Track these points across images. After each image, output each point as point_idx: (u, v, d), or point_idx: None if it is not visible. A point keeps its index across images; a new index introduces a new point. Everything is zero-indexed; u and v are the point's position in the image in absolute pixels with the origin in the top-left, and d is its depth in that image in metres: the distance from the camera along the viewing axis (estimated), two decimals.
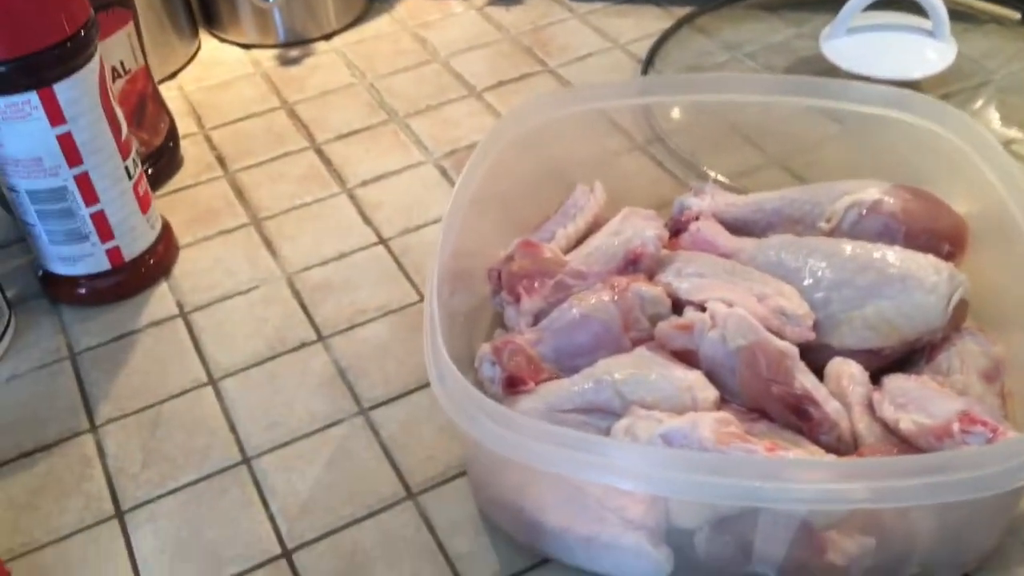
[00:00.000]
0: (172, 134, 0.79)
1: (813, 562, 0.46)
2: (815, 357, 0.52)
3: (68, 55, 0.58)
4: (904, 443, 0.48)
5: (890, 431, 0.49)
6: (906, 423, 0.47)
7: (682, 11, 0.93)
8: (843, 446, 0.49)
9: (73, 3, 0.58)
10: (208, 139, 0.83)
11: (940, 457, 0.43)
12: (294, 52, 0.93)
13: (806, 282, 0.54)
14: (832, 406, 0.49)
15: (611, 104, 0.67)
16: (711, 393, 0.50)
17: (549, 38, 0.92)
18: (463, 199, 0.56)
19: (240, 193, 0.77)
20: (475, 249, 0.59)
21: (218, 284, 0.69)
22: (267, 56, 0.93)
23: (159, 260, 0.69)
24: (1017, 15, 0.88)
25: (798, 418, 0.49)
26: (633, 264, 0.58)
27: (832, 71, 0.80)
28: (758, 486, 0.41)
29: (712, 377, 0.51)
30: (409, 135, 0.82)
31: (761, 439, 0.46)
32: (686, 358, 0.52)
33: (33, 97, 0.57)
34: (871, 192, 0.59)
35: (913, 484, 0.41)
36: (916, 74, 0.77)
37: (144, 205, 0.67)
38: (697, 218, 0.62)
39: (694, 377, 0.51)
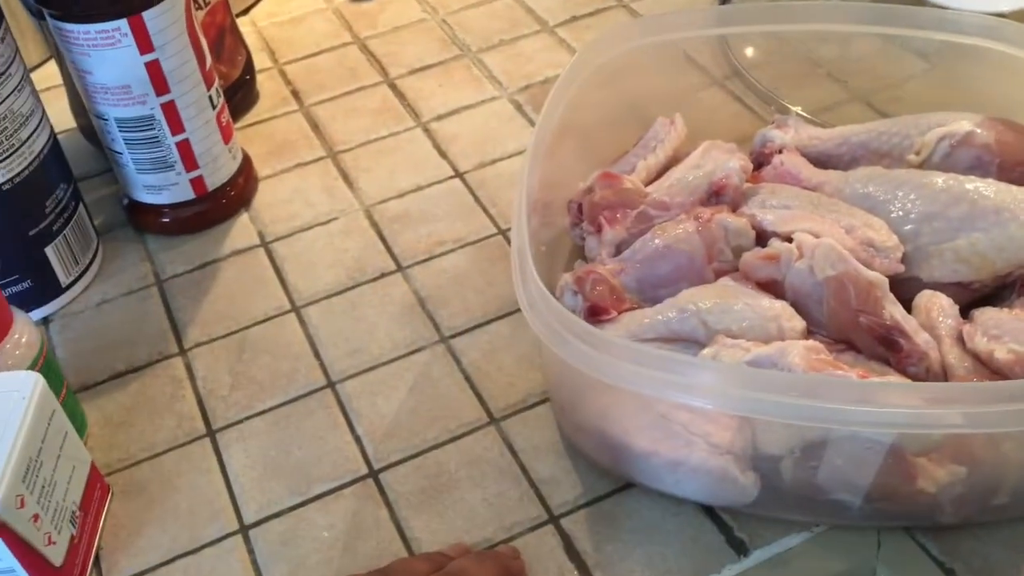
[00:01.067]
0: (249, 67, 0.79)
1: (902, 489, 0.46)
2: (904, 290, 0.51)
3: None
4: (997, 374, 0.47)
5: (982, 363, 0.48)
6: (1001, 352, 0.46)
7: None
8: (932, 378, 0.49)
9: None
10: (283, 73, 0.83)
11: None
12: None
13: (895, 214, 0.54)
14: (922, 337, 0.49)
15: (689, 35, 0.66)
16: (798, 323, 0.50)
17: None
18: (546, 131, 0.56)
19: (316, 127, 0.77)
20: (556, 181, 0.59)
21: (297, 215, 0.70)
22: None
23: (240, 191, 0.70)
24: None
25: (887, 349, 0.49)
26: (717, 196, 0.57)
27: (916, 2, 0.78)
28: (849, 409, 0.41)
29: (798, 308, 0.51)
30: (482, 70, 0.81)
31: (851, 368, 0.46)
32: (771, 289, 0.52)
33: (123, 24, 0.58)
34: (963, 124, 0.57)
35: (1008, 409, 0.40)
36: (1006, 6, 0.75)
37: (227, 136, 0.67)
38: (780, 151, 0.61)
39: (780, 307, 0.50)
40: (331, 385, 0.58)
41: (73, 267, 0.64)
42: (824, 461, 0.46)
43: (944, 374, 0.49)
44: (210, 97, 0.65)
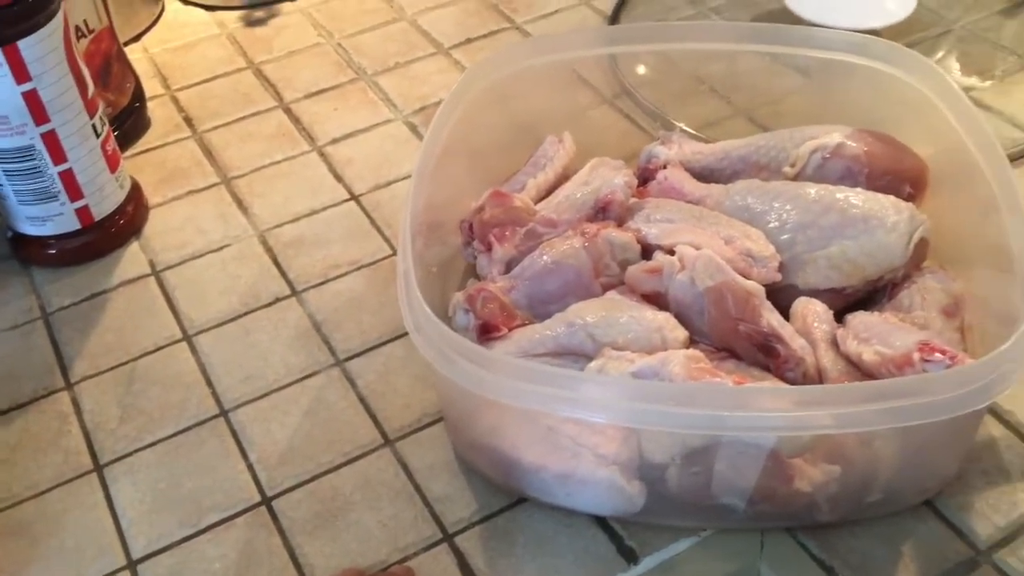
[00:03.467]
0: (138, 95, 0.78)
1: (781, 490, 0.47)
2: (781, 297, 0.53)
3: (31, 11, 0.57)
4: (867, 376, 0.49)
5: (854, 365, 0.50)
6: (868, 354, 0.48)
7: None
8: (809, 381, 0.50)
9: None
10: (175, 100, 0.82)
11: (898, 382, 0.45)
12: (259, 13, 0.93)
13: (772, 225, 0.56)
14: (798, 343, 0.51)
15: (577, 54, 0.67)
16: (681, 333, 0.51)
17: None
18: (433, 152, 0.57)
19: (209, 153, 0.77)
20: (446, 201, 0.60)
21: (189, 242, 0.69)
22: (232, 18, 0.92)
23: (129, 220, 0.69)
24: None
25: (765, 355, 0.51)
26: (603, 212, 0.59)
27: (796, 23, 0.81)
28: (725, 415, 0.43)
29: (681, 318, 0.52)
30: (378, 93, 0.82)
31: (730, 375, 0.48)
32: (656, 301, 0.54)
33: None
34: (834, 136, 0.60)
35: (874, 409, 0.42)
36: (878, 23, 0.78)
37: (113, 164, 0.66)
38: (665, 166, 0.63)
39: (664, 318, 0.52)
40: (223, 413, 0.57)
41: None
42: (707, 467, 0.47)
43: (820, 377, 0.51)
44: (93, 125, 0.64)
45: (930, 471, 0.50)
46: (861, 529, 0.50)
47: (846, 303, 0.55)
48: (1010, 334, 0.44)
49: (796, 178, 0.60)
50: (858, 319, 0.52)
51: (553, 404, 0.44)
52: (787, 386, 0.48)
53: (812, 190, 0.56)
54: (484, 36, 0.87)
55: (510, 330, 0.54)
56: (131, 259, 0.68)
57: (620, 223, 0.58)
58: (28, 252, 0.67)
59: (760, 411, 0.43)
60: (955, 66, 0.80)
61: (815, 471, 0.47)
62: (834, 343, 0.51)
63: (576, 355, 0.52)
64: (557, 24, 0.88)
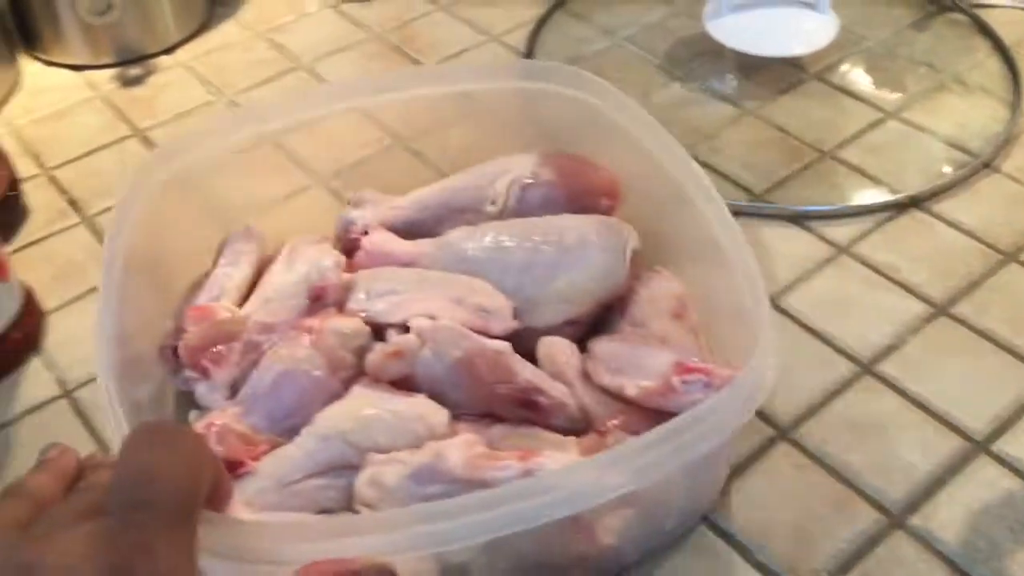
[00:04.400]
0: (12, 182, 0.69)
1: (590, 551, 0.46)
2: (521, 341, 0.52)
3: None
4: (629, 404, 0.49)
5: (613, 397, 0.50)
6: (630, 389, 0.48)
7: None
8: (575, 424, 0.50)
9: None
10: (54, 180, 0.73)
11: (679, 421, 0.42)
12: (134, 70, 0.84)
13: (494, 272, 0.55)
14: (558, 390, 0.50)
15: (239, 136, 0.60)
16: (443, 415, 0.49)
17: (416, 34, 0.87)
18: (114, 270, 0.50)
19: (103, 240, 0.68)
20: (139, 328, 0.52)
21: None
22: (103, 77, 0.83)
23: (26, 333, 0.60)
24: None
25: (528, 410, 0.50)
26: (319, 300, 0.53)
27: (717, 50, 0.79)
28: (525, 506, 0.40)
29: (436, 396, 0.50)
30: (287, 156, 0.74)
31: (502, 444, 0.47)
32: (404, 384, 0.51)
33: None
34: (525, 165, 0.60)
35: (665, 451, 0.41)
36: (801, 49, 0.77)
37: (2, 273, 0.57)
38: (366, 232, 0.59)
39: (421, 404, 0.49)
40: None
41: None
42: (514, 554, 0.45)
43: (583, 415, 0.50)
44: None
45: (706, 489, 0.51)
46: (665, 558, 0.49)
47: (585, 331, 0.55)
48: (740, 328, 0.47)
49: (501, 215, 0.58)
50: (603, 348, 0.52)
51: (341, 552, 0.38)
52: (579, 458, 0.46)
53: (524, 226, 0.56)
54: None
55: (256, 460, 0.48)
56: (34, 380, 0.59)
57: (340, 307, 0.53)
58: None
59: (561, 491, 0.40)
60: (866, 80, 0.79)
61: (612, 519, 0.46)
62: (587, 376, 0.51)
63: (338, 468, 0.47)
64: (468, 63, 0.83)
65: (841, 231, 0.66)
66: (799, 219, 0.66)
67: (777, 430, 0.54)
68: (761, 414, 0.55)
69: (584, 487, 0.41)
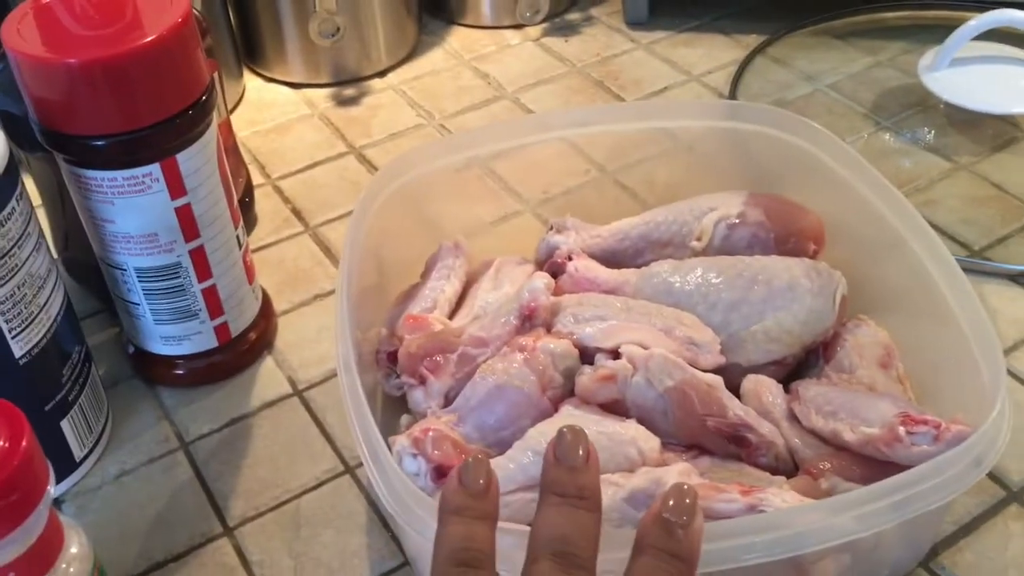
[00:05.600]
0: (248, 189, 0.73)
1: None
2: (726, 378, 0.52)
3: (193, 122, 0.52)
4: (841, 449, 0.49)
5: (821, 439, 0.50)
6: (848, 434, 0.48)
7: (749, 39, 0.91)
8: (782, 464, 0.51)
9: (198, 66, 0.52)
10: (279, 190, 0.77)
11: (911, 475, 0.43)
12: (349, 91, 0.88)
13: (700, 307, 0.55)
14: (766, 428, 0.50)
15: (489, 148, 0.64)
16: (655, 442, 0.49)
17: (619, 70, 0.89)
18: (354, 271, 0.54)
19: (328, 250, 0.72)
20: (363, 326, 0.55)
21: (328, 355, 0.64)
22: (320, 96, 0.88)
23: (262, 334, 0.63)
24: None
25: (736, 446, 0.50)
26: (529, 320, 0.55)
27: (928, 101, 0.79)
28: (755, 540, 0.41)
29: (644, 422, 0.50)
30: (496, 181, 0.77)
31: (709, 476, 0.48)
32: (613, 408, 0.51)
33: (155, 169, 0.52)
34: (734, 203, 0.60)
35: (892, 502, 0.42)
36: (1020, 108, 0.76)
37: (251, 275, 0.62)
38: (571, 257, 0.60)
39: (635, 429, 0.50)
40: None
41: (87, 437, 0.56)
42: None
43: (790, 456, 0.50)
44: (237, 237, 0.59)
45: (925, 535, 0.50)
46: None
47: (788, 372, 0.55)
48: (959, 384, 0.48)
49: (705, 251, 0.59)
50: (812, 390, 0.52)
51: None
52: (806, 500, 0.45)
53: (732, 264, 0.56)
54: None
55: None
56: (267, 377, 0.63)
57: (548, 328, 0.55)
58: (155, 371, 0.62)
59: (790, 530, 0.41)
60: None
61: (830, 564, 0.45)
62: (793, 417, 0.51)
63: None
64: (672, 101, 0.85)
65: None
66: (1020, 279, 0.65)
67: (1008, 492, 0.53)
68: (991, 474, 0.54)
69: (812, 529, 0.41)
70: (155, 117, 0.51)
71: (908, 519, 0.43)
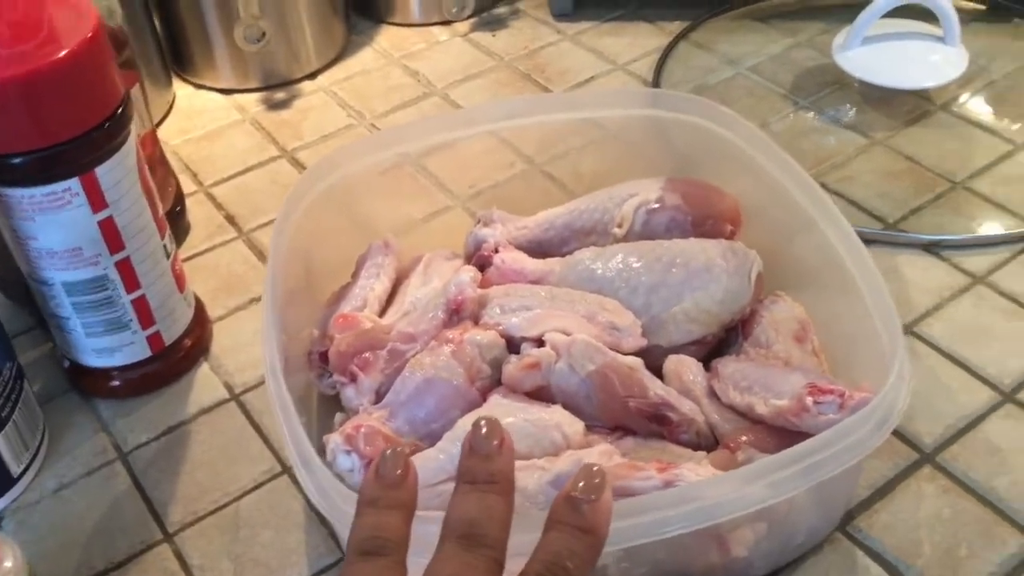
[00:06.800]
0: (179, 198, 0.74)
1: (722, 562, 0.48)
2: (648, 360, 0.54)
3: (109, 135, 0.53)
4: (758, 422, 0.51)
5: (739, 414, 0.52)
6: (761, 407, 0.50)
7: (672, 26, 0.92)
8: (704, 440, 0.52)
9: (111, 79, 0.53)
10: (211, 197, 0.78)
11: (818, 440, 0.45)
12: (279, 95, 0.89)
13: (623, 291, 0.57)
14: (687, 405, 0.53)
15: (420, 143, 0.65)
16: (578, 425, 0.51)
17: (545, 62, 0.90)
18: (280, 272, 0.55)
19: (261, 255, 0.72)
20: (292, 334, 0.56)
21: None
22: (250, 101, 0.88)
23: (197, 340, 0.64)
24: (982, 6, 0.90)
25: (659, 424, 0.52)
26: (456, 313, 0.56)
27: (843, 80, 0.81)
28: (671, 514, 0.43)
29: (569, 407, 0.52)
30: (426, 177, 0.78)
31: (633, 456, 0.50)
32: (539, 395, 0.53)
33: (74, 184, 0.52)
34: (653, 189, 0.62)
35: (801, 468, 0.44)
36: (932, 82, 0.78)
37: (181, 283, 0.62)
38: (496, 249, 0.61)
39: (559, 414, 0.51)
40: None
41: (23, 453, 0.57)
42: (649, 561, 0.47)
43: (711, 432, 0.53)
44: (164, 246, 0.60)
45: (837, 503, 0.52)
46: (789, 571, 0.51)
47: (708, 350, 0.57)
48: (866, 353, 0.50)
49: (626, 237, 0.61)
50: (729, 367, 0.54)
51: None
52: (719, 472, 0.47)
53: (651, 248, 0.58)
54: None
55: None
56: (204, 383, 0.63)
57: (476, 320, 0.56)
58: (90, 384, 0.62)
59: (703, 502, 0.43)
60: (1005, 118, 0.80)
61: (746, 533, 0.47)
62: (713, 394, 0.53)
63: None
64: (596, 91, 0.86)
65: (976, 261, 0.67)
66: (933, 248, 0.68)
67: (921, 454, 0.56)
68: (904, 438, 0.56)
69: (726, 499, 0.43)
70: (71, 132, 0.51)
71: (818, 484, 0.45)
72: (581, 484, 0.37)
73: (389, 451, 0.39)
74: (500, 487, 0.37)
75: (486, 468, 0.38)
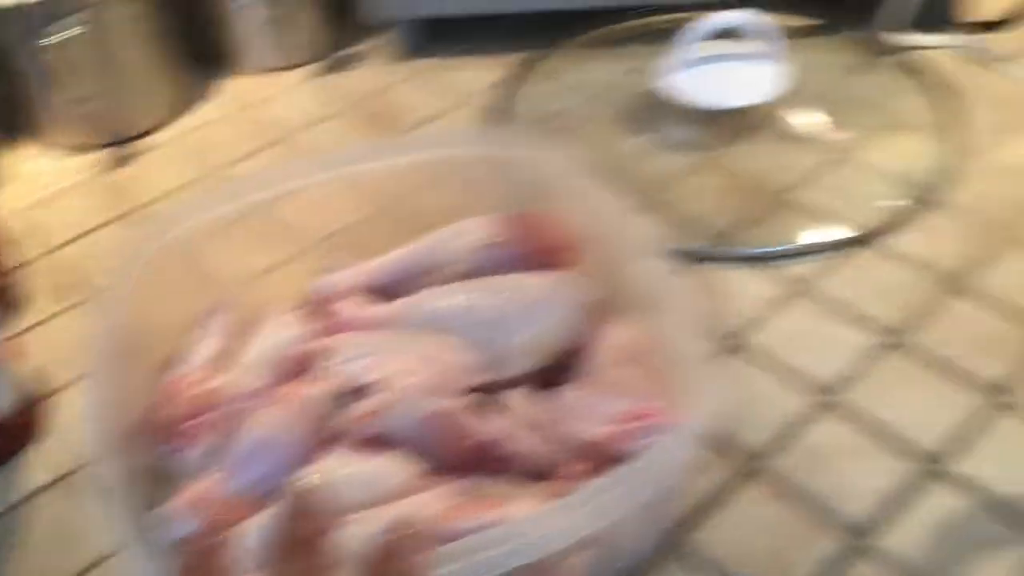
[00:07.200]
0: (15, 268, 0.72)
1: None
2: (490, 394, 0.56)
3: None
4: (593, 449, 0.52)
5: (574, 443, 0.53)
6: (586, 436, 0.52)
7: (514, 58, 0.94)
8: (542, 471, 0.53)
9: None
10: (53, 262, 0.76)
11: (628, 465, 0.46)
12: (123, 152, 0.87)
13: (464, 328, 0.59)
14: (523, 442, 0.53)
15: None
16: (412, 468, 0.52)
17: (393, 100, 0.91)
18: (109, 340, 0.54)
19: None
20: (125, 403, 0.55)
21: None
22: (91, 161, 0.87)
23: (26, 421, 0.63)
24: (820, 21, 0.95)
25: (495, 461, 0.53)
26: (295, 368, 0.57)
27: (671, 103, 0.83)
28: (495, 554, 0.43)
29: (412, 451, 0.53)
30: (274, 227, 0.78)
31: (472, 495, 0.50)
32: (381, 443, 0.53)
33: None
34: (484, 228, 0.64)
35: (616, 495, 0.45)
36: (756, 99, 0.81)
37: (9, 355, 0.61)
38: (342, 297, 0.63)
39: (389, 461, 0.52)
40: None
41: None
42: None
43: (547, 462, 0.53)
44: None
45: (668, 517, 0.55)
46: None
47: (546, 379, 0.59)
48: (681, 370, 0.50)
49: (465, 276, 0.62)
50: (564, 398, 0.56)
51: None
52: (543, 506, 0.48)
53: (486, 284, 0.60)
54: None
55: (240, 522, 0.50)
56: (39, 462, 0.62)
57: (315, 373, 0.57)
58: None
59: (531, 538, 0.44)
60: (826, 128, 0.84)
61: (575, 561, 0.48)
62: (549, 424, 0.55)
63: None
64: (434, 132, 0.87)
65: (799, 269, 0.70)
66: (759, 260, 0.71)
67: (749, 461, 0.58)
68: (733, 447, 0.59)
69: (550, 531, 0.44)
70: None
71: (639, 504, 0.46)
72: (396, 540, 0.38)
73: None
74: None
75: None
